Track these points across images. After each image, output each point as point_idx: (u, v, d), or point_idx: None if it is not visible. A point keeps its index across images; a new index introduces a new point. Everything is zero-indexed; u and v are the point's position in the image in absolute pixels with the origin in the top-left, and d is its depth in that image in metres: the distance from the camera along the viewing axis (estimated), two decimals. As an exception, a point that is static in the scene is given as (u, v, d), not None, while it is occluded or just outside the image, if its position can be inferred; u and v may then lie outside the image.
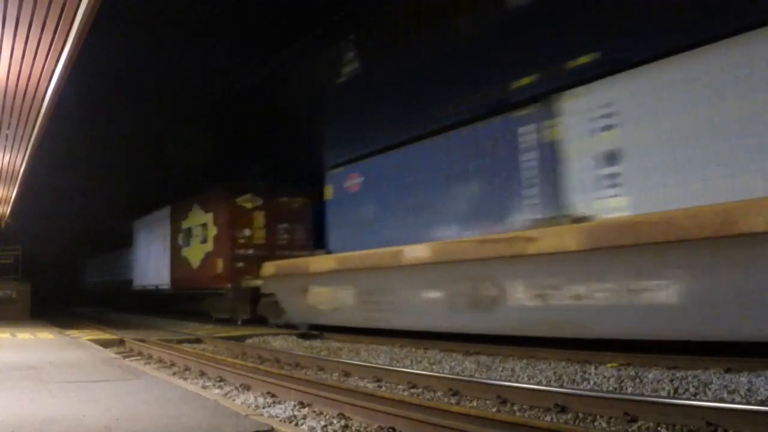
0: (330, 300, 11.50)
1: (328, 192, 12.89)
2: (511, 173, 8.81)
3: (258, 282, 14.05)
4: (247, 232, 15.30)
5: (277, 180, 16.41)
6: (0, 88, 7.20)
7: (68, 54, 6.07)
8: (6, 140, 9.52)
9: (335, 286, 11.39)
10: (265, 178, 16.60)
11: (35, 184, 16.37)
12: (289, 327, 12.70)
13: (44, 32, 5.67)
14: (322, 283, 11.76)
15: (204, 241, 16.72)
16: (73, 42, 5.79)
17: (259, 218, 15.53)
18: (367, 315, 10.54)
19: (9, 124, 8.67)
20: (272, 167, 18.34)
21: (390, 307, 10.05)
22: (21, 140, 9.55)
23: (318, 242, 13.97)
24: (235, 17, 19.43)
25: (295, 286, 12.43)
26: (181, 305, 19.26)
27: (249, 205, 15.50)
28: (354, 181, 12.11)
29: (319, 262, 12.08)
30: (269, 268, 13.70)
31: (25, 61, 6.39)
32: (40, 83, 7.03)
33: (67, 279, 38.16)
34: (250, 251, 15.20)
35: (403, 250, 9.86)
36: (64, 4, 5.15)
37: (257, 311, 14.28)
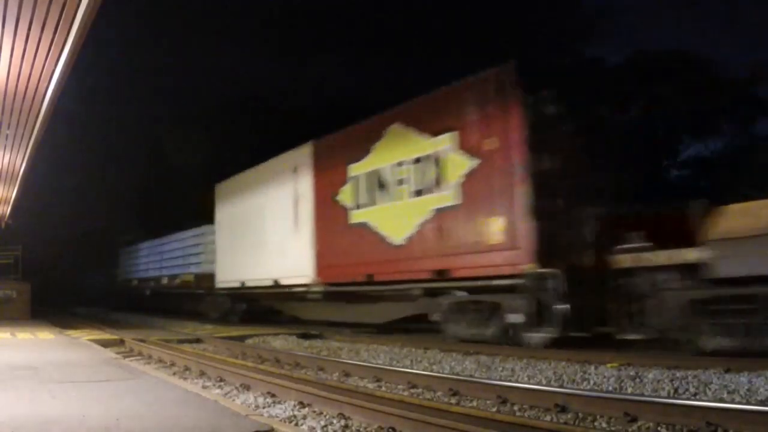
0: None
1: None
2: None
3: (693, 255, 6.92)
4: (553, 162, 8.13)
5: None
6: (0, 88, 7.21)
7: (68, 54, 6.07)
8: (6, 140, 9.54)
9: None
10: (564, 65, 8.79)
11: (35, 184, 16.04)
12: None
13: (44, 32, 5.68)
14: None
15: (424, 190, 9.41)
16: (73, 42, 5.80)
17: (568, 137, 8.38)
18: None
19: (9, 124, 8.68)
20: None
21: None
22: (21, 140, 9.57)
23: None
24: None
25: None
26: (347, 313, 11.72)
27: (553, 111, 8.35)
28: None
29: None
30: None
31: (25, 61, 6.40)
32: (40, 83, 7.04)
33: (80, 278, 32.95)
34: (558, 201, 8.18)
35: None
36: (64, 4, 5.15)
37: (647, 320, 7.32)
